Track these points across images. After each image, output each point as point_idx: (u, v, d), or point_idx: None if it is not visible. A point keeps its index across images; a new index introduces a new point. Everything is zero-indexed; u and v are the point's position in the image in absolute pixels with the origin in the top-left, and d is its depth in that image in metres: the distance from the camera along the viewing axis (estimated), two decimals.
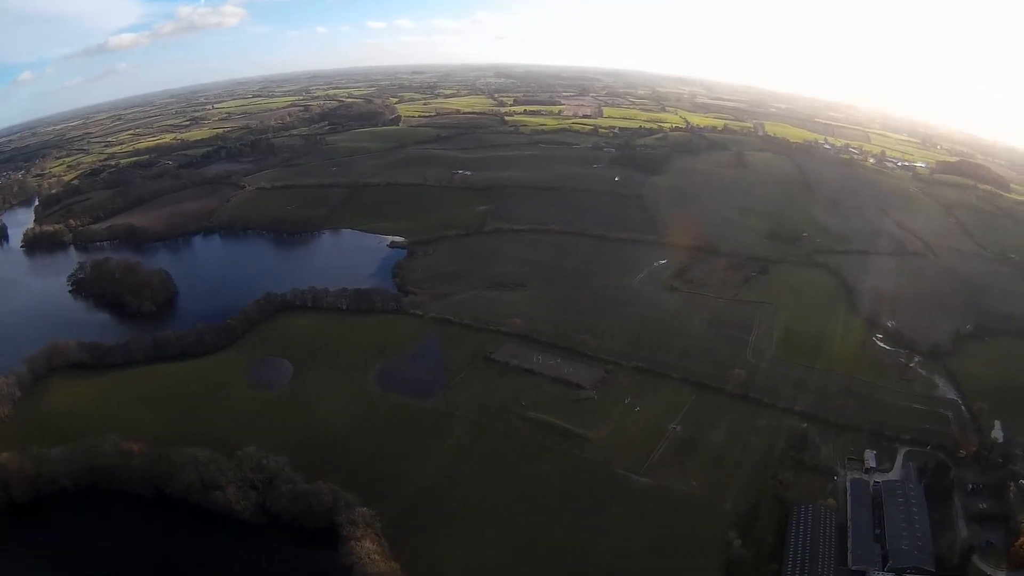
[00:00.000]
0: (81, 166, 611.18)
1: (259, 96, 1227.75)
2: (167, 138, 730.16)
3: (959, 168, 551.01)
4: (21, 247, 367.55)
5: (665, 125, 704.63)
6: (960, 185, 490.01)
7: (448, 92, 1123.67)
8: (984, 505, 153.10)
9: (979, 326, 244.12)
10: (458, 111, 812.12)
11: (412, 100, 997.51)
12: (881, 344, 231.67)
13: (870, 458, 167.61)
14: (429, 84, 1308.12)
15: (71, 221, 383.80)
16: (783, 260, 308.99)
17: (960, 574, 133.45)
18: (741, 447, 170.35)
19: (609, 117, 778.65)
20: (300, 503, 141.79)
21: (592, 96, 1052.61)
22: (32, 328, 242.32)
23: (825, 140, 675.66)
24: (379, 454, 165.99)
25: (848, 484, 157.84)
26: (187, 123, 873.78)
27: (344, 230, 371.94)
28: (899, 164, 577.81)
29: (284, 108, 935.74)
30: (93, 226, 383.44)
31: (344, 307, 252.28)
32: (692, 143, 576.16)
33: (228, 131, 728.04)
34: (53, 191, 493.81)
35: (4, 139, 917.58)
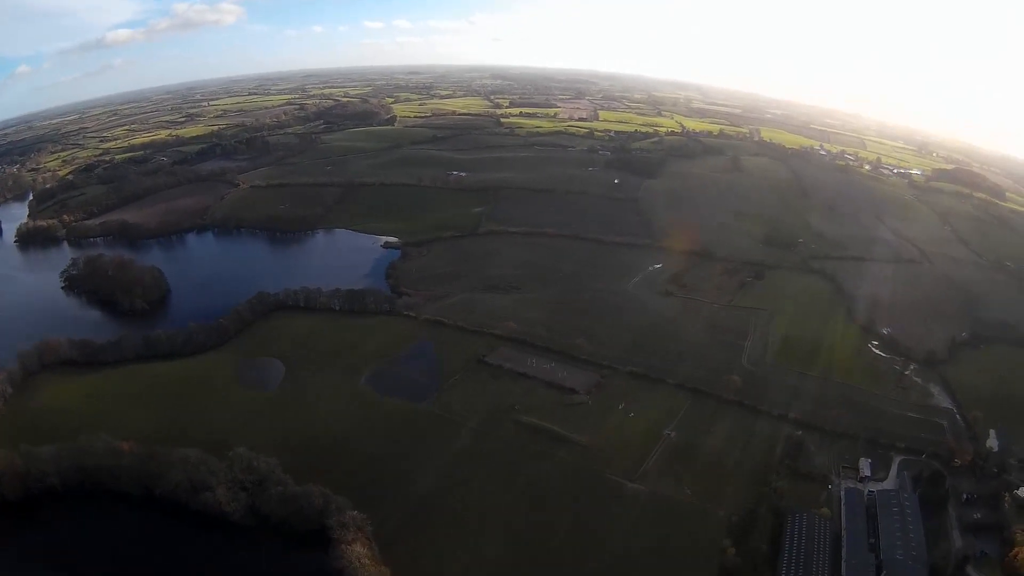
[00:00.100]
0: (76, 161, 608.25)
1: (255, 94, 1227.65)
2: (162, 134, 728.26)
3: (955, 176, 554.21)
4: (15, 242, 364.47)
5: (661, 129, 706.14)
6: (956, 193, 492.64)
7: (444, 93, 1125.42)
8: (979, 515, 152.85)
9: (974, 334, 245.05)
10: (454, 112, 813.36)
11: (408, 100, 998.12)
12: (876, 351, 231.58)
13: (865, 467, 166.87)
14: (425, 85, 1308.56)
15: (65, 216, 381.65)
16: (779, 265, 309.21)
17: None
18: (736, 454, 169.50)
19: (605, 120, 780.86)
20: (290, 505, 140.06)
21: (588, 99, 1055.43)
22: (24, 324, 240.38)
23: (821, 146, 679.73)
24: (371, 457, 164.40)
25: (843, 493, 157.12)
26: (183, 119, 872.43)
27: (338, 230, 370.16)
28: (895, 171, 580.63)
29: (280, 106, 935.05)
30: (87, 222, 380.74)
31: (337, 308, 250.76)
32: (688, 147, 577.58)
33: (223, 128, 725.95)
34: (47, 186, 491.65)
35: (0, 133, 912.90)
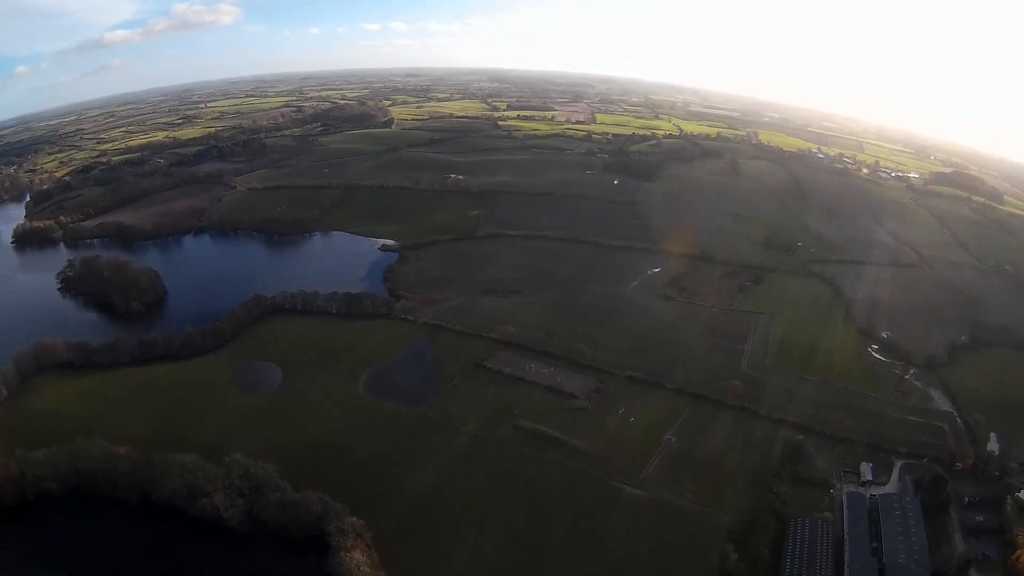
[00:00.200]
0: (73, 162, 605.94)
1: (252, 96, 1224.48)
2: (159, 136, 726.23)
3: (953, 179, 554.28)
4: (11, 243, 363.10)
5: (659, 132, 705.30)
6: (954, 196, 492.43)
7: (441, 96, 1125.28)
8: (981, 518, 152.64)
9: (974, 338, 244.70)
10: (451, 115, 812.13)
11: (405, 103, 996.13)
12: (876, 355, 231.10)
13: (866, 471, 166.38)
14: (423, 87, 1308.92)
15: (62, 218, 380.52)
16: (778, 269, 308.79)
17: None
18: (737, 459, 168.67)
19: (603, 123, 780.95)
20: (289, 511, 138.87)
21: (586, 102, 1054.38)
22: (20, 325, 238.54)
23: (819, 149, 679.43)
24: (369, 462, 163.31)
25: (845, 497, 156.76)
26: (180, 121, 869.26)
27: (335, 232, 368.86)
28: (893, 174, 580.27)
29: (277, 108, 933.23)
30: (83, 223, 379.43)
31: (334, 311, 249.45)
32: (686, 150, 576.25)
33: (220, 130, 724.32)
34: (44, 187, 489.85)
35: None
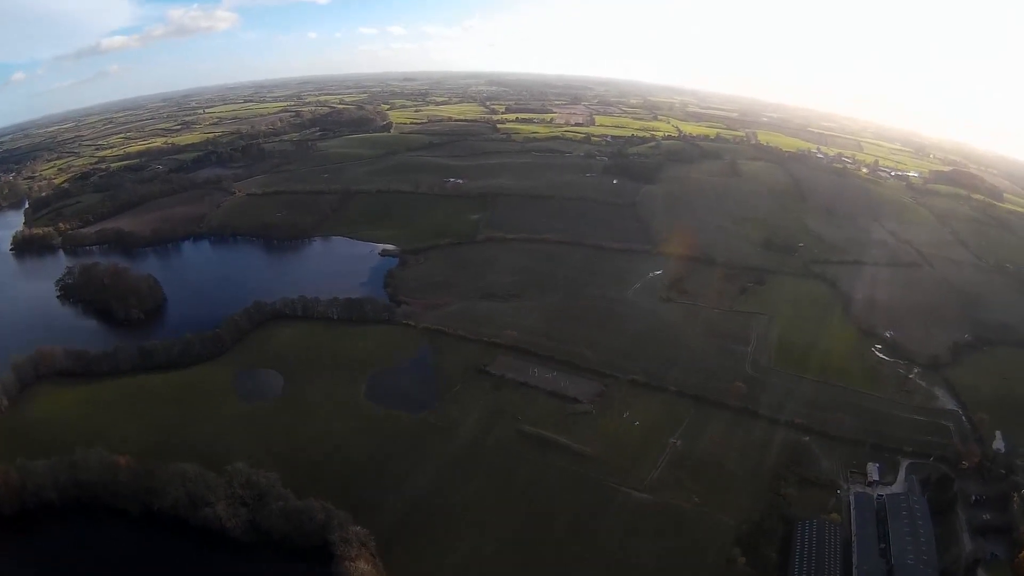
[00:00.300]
0: (72, 169, 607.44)
1: (250, 101, 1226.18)
2: (158, 142, 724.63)
3: (952, 177, 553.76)
4: (10, 250, 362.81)
5: (658, 134, 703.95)
6: (954, 195, 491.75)
7: (440, 99, 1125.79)
8: (988, 517, 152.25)
9: (976, 336, 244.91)
10: (450, 118, 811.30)
11: (404, 107, 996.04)
12: (879, 355, 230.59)
13: (873, 471, 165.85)
14: (421, 91, 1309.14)
15: (60, 224, 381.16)
16: (779, 270, 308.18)
17: None
18: (742, 461, 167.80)
19: (601, 125, 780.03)
20: (292, 521, 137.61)
21: (584, 105, 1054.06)
22: (19, 333, 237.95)
23: (818, 149, 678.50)
24: (372, 469, 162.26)
25: (852, 498, 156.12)
26: (178, 127, 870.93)
27: (335, 237, 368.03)
28: (892, 173, 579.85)
29: (275, 113, 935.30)
30: (82, 230, 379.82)
31: (335, 316, 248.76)
32: (685, 152, 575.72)
33: (219, 136, 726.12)
34: (43, 194, 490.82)
35: None
